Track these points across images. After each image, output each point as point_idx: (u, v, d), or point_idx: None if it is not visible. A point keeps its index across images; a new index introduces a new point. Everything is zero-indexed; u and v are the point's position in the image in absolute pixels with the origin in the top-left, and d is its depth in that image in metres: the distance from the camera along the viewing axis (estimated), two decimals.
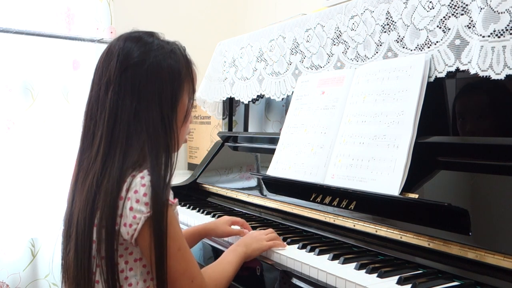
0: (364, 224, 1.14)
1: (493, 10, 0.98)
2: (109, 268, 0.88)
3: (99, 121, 0.92)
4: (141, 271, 0.92)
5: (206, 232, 1.29)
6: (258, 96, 1.78)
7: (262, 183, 1.56)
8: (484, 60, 1.00)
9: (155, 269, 0.88)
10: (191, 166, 2.65)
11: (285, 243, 1.16)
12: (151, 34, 0.98)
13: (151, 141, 0.91)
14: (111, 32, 2.35)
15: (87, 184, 0.90)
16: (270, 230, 1.20)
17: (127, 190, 0.87)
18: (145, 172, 0.88)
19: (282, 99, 1.66)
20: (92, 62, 2.35)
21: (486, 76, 1.00)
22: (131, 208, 0.87)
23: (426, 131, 1.12)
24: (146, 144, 0.90)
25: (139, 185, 0.87)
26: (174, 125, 0.95)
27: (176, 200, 0.93)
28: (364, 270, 0.96)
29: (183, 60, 0.98)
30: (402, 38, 1.21)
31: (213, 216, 1.53)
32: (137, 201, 0.86)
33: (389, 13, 1.24)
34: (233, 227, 1.30)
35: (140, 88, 0.92)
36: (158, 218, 0.87)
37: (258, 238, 1.14)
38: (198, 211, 1.63)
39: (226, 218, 1.31)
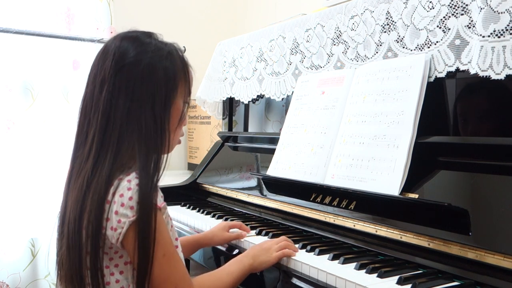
0: (364, 224, 1.13)
1: (493, 10, 0.98)
2: (93, 272, 0.87)
3: (92, 119, 0.91)
4: (132, 274, 0.91)
5: (204, 241, 1.27)
6: (258, 96, 1.78)
7: (262, 183, 1.56)
8: (484, 60, 1.00)
9: (136, 273, 0.87)
10: (191, 166, 2.65)
11: (296, 250, 1.11)
12: (149, 35, 0.97)
13: (142, 141, 0.89)
14: (111, 32, 2.35)
15: (78, 183, 0.90)
16: (283, 238, 1.14)
17: (113, 194, 0.86)
18: (132, 175, 0.87)
19: (282, 99, 1.66)
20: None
21: (486, 76, 1.00)
22: (116, 212, 0.86)
23: (426, 131, 1.12)
24: (137, 143, 0.89)
25: (125, 188, 0.86)
26: (167, 126, 0.93)
27: (164, 204, 0.91)
28: (364, 270, 0.96)
29: (180, 62, 0.97)
30: (402, 38, 1.21)
31: (213, 216, 1.53)
32: (122, 204, 0.85)
33: (389, 13, 1.24)
34: (232, 230, 1.29)
35: (134, 88, 0.91)
36: (143, 223, 0.85)
37: (268, 249, 1.08)
38: (198, 211, 1.63)
39: (222, 224, 1.29)
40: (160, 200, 0.90)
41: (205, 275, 1.01)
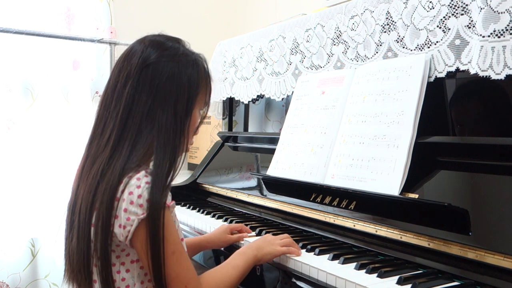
0: (364, 224, 1.13)
1: (493, 10, 0.98)
2: (104, 268, 0.87)
3: (112, 112, 0.93)
4: (138, 273, 0.91)
5: (205, 244, 1.27)
6: (258, 96, 1.78)
7: (262, 183, 1.56)
8: (484, 60, 1.00)
9: (152, 271, 0.87)
10: (191, 166, 2.65)
11: (300, 249, 1.09)
12: (177, 40, 0.99)
13: (160, 139, 0.91)
14: (111, 32, 2.35)
15: (92, 172, 0.91)
16: (286, 235, 1.14)
17: (122, 191, 0.87)
18: (142, 173, 0.88)
19: (282, 99, 1.66)
20: (92, 62, 2.35)
21: (486, 76, 1.00)
22: (125, 210, 0.86)
23: (426, 131, 1.12)
24: (155, 141, 0.91)
25: (134, 186, 0.86)
26: (186, 130, 0.95)
27: (173, 202, 0.92)
28: (364, 270, 0.96)
29: (203, 72, 0.99)
30: (402, 38, 1.21)
31: (213, 216, 1.53)
32: (131, 202, 0.86)
33: (389, 13, 1.24)
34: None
35: (158, 87, 0.93)
36: (153, 220, 0.86)
37: (272, 242, 1.08)
38: (198, 211, 1.63)
39: (224, 227, 1.29)
40: (168, 198, 0.90)
41: (210, 271, 1.00)
